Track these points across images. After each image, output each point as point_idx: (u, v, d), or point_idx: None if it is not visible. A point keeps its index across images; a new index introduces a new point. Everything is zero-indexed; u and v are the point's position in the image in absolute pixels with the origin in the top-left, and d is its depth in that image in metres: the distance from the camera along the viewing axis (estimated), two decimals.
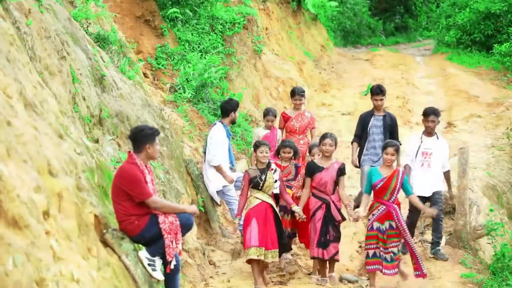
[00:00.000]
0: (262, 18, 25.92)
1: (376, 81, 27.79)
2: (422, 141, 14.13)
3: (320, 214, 12.57)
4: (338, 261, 12.88)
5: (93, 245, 8.43)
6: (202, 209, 14.20)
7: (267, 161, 12.32)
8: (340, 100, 26.57)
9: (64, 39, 11.12)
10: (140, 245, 9.31)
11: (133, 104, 12.89)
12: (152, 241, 9.19)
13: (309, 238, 12.80)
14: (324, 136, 12.76)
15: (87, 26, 14.25)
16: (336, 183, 12.65)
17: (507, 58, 28.02)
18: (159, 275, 9.27)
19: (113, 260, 8.82)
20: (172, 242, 9.23)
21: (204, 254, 13.44)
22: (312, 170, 12.69)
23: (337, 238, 12.64)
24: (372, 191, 12.44)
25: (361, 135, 15.23)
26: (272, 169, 12.35)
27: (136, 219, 9.12)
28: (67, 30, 11.55)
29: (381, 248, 12.33)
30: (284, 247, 12.65)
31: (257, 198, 12.30)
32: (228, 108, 14.51)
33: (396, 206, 12.29)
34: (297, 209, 12.39)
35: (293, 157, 13.18)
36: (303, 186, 12.95)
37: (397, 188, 12.23)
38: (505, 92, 26.16)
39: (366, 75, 29.87)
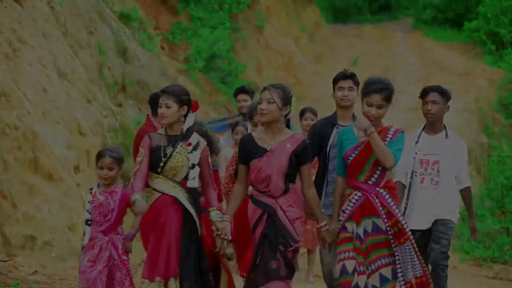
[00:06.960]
0: None
1: (363, 54, 27.83)
2: (418, 141, 7.31)
3: (259, 231, 5.86)
4: None
5: None
6: None
7: (190, 125, 6.25)
8: (331, 70, 26.46)
9: (92, 16, 11.07)
10: None
11: (152, 73, 12.86)
12: None
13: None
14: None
15: (112, 5, 14.18)
16: (292, 176, 5.89)
17: (475, 33, 27.94)
18: None
19: None
20: None
21: None
22: (246, 153, 5.94)
23: (277, 273, 5.72)
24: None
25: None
26: (189, 144, 6.07)
27: None
28: (94, 9, 11.48)
29: (359, 266, 5.90)
30: (205, 283, 5.94)
31: (155, 190, 5.94)
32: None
33: (384, 191, 5.97)
34: (216, 217, 5.90)
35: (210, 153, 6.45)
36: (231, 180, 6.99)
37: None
38: (473, 63, 26.15)
39: (354, 48, 29.76)
